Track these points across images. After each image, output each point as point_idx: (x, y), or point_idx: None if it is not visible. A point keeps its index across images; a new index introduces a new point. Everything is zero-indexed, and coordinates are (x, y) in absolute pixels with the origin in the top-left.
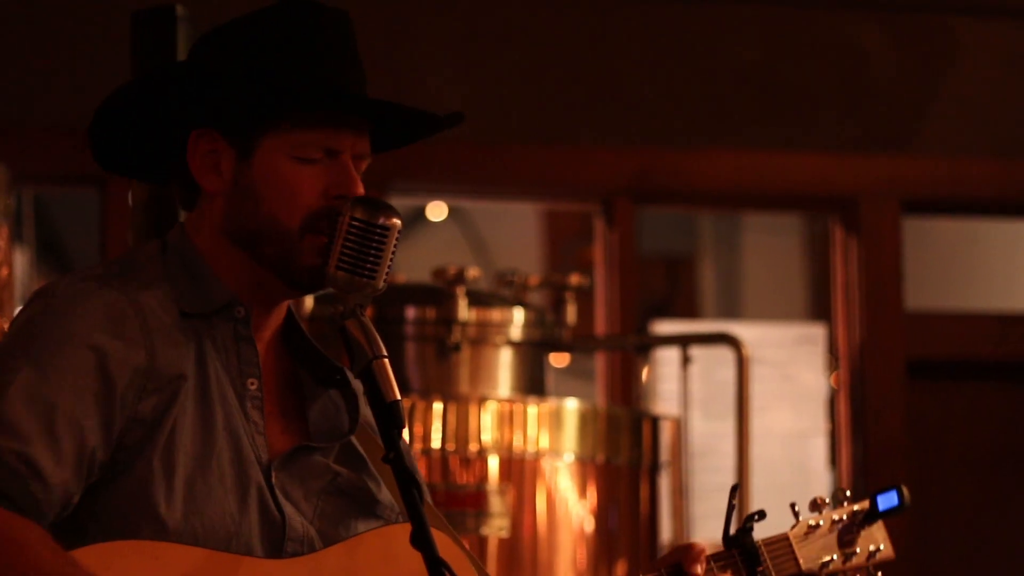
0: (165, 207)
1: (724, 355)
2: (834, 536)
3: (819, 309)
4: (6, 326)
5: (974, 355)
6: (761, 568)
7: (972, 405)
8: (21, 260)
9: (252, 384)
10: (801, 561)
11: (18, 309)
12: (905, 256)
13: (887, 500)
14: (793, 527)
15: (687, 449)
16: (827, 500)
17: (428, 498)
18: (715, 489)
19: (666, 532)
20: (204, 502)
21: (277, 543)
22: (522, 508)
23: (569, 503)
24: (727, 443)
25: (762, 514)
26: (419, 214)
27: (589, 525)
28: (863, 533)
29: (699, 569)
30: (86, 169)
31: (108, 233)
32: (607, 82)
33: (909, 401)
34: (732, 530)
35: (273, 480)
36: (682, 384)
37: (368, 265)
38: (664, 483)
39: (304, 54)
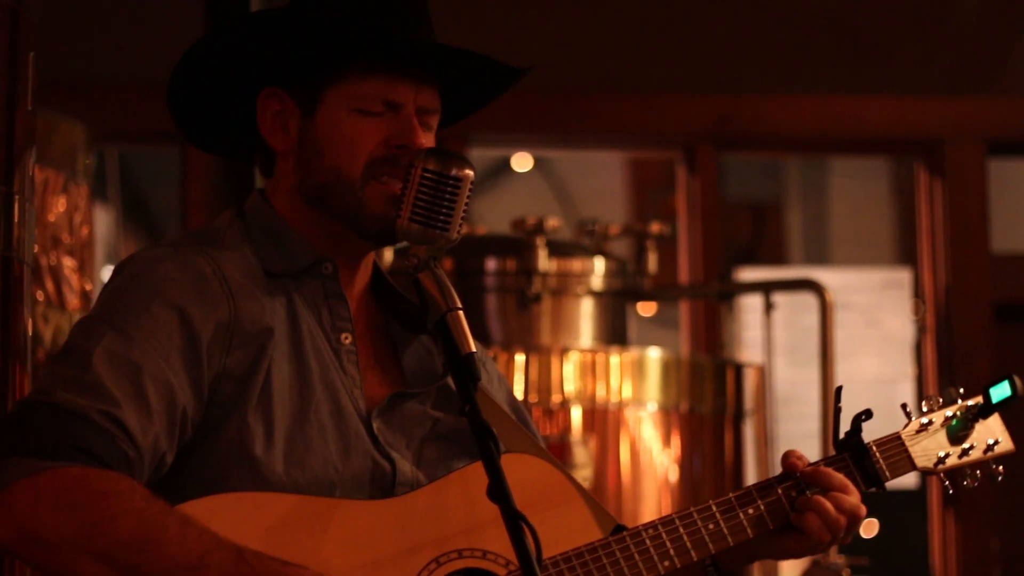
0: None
1: (809, 301)
2: (948, 433)
3: (905, 253)
4: (88, 286)
5: None
6: (875, 467)
7: None
8: (105, 218)
9: (346, 339)
10: (915, 459)
11: (101, 268)
12: (991, 198)
13: (1000, 391)
14: (905, 426)
15: (772, 397)
16: (939, 399)
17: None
18: (800, 437)
19: (751, 480)
20: (304, 454)
21: (387, 490)
22: (606, 458)
23: (653, 452)
24: (813, 390)
25: (869, 413)
26: (504, 165)
27: (673, 474)
28: (978, 428)
29: (800, 463)
30: (166, 127)
31: (189, 190)
32: (688, 29)
33: (996, 344)
34: (840, 434)
35: (375, 430)
36: (766, 331)
37: (442, 217)
38: (748, 431)
39: (366, 6)
